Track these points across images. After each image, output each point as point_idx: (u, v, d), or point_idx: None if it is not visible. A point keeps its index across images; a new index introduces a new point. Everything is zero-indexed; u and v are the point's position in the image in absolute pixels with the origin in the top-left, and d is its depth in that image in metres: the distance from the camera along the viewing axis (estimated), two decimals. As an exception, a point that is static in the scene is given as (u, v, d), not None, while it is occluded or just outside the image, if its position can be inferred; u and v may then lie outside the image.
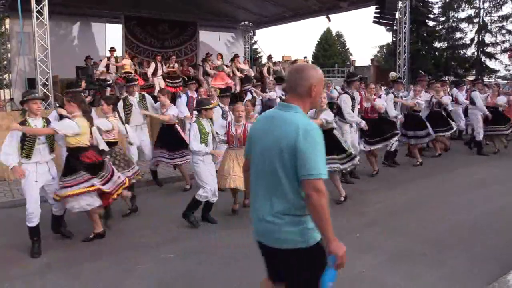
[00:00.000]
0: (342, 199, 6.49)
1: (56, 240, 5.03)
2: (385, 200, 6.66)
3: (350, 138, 7.60)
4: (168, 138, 7.30)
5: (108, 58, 13.19)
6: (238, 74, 15.20)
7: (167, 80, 13.59)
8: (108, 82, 12.31)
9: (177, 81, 13.62)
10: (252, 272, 4.21)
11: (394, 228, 5.41)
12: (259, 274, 4.15)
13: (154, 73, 13.55)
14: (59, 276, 4.18)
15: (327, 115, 6.23)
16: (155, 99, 7.63)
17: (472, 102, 10.42)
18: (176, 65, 14.34)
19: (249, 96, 10.15)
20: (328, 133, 6.01)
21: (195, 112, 5.98)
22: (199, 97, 8.05)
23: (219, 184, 5.71)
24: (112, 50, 13.43)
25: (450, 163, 9.49)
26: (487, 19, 30.77)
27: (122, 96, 7.99)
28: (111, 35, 18.24)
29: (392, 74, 14.08)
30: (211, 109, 5.72)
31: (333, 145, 6.30)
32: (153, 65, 13.69)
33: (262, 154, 2.39)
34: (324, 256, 2.31)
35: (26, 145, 4.63)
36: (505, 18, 30.13)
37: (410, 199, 6.66)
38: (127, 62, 12.99)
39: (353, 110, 7.46)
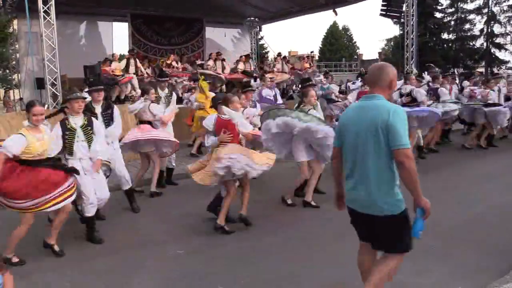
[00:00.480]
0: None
1: (68, 238, 5.08)
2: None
3: None
4: None
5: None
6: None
7: None
8: (115, 81, 12.37)
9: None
10: (262, 269, 4.25)
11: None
12: (269, 270, 4.20)
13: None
14: (73, 272, 4.25)
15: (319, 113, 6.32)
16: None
17: None
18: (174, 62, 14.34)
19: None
20: None
21: None
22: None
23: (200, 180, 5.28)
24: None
25: (458, 156, 9.44)
26: (496, 9, 30.40)
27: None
28: (118, 34, 18.34)
29: (413, 71, 13.90)
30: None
31: None
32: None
33: (358, 135, 2.91)
34: (408, 221, 2.97)
35: (67, 142, 4.81)
36: (514, 7, 29.71)
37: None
38: (116, 66, 13.02)
39: None
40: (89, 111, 5.30)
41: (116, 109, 6.02)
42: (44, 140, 4.46)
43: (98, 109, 5.74)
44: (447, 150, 10.10)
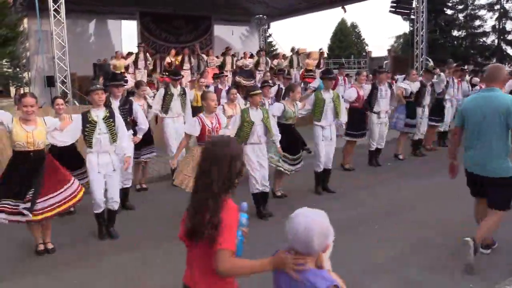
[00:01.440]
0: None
1: (75, 237, 5.10)
2: (399, 191, 6.61)
3: (378, 129, 7.77)
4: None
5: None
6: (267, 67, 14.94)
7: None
8: (126, 78, 12.41)
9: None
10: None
11: (411, 220, 5.36)
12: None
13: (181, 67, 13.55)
14: (81, 270, 4.27)
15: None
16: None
17: None
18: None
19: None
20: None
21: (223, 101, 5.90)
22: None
23: (180, 183, 5.26)
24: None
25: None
26: (508, 5, 30.00)
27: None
28: (127, 32, 18.42)
29: (429, 63, 13.76)
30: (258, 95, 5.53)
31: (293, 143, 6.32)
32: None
33: (485, 117, 3.89)
34: None
35: (86, 134, 4.80)
36: (526, 4, 29.34)
37: (425, 191, 6.57)
38: (117, 63, 13.01)
39: (375, 100, 7.58)
40: (105, 105, 5.31)
41: (135, 104, 6.06)
42: (33, 132, 4.39)
43: (115, 104, 5.76)
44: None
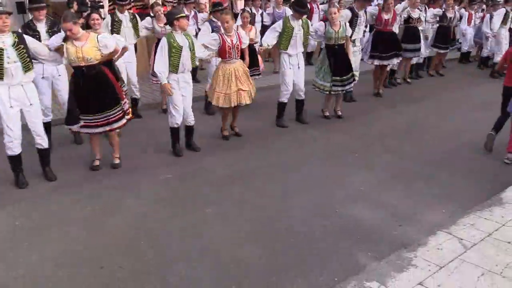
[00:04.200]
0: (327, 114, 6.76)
1: (58, 166, 5.01)
2: (384, 121, 6.63)
3: (354, 58, 7.47)
4: None
5: None
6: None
7: None
8: (101, 3, 11.75)
9: None
10: (249, 191, 4.30)
11: (393, 149, 5.43)
12: (255, 193, 4.25)
13: None
14: (62, 198, 4.25)
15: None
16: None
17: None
18: None
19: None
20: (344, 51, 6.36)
21: (167, 27, 5.61)
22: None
23: (217, 102, 5.54)
24: None
25: (451, 83, 9.32)
26: None
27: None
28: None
29: None
30: (183, 18, 5.06)
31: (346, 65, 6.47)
32: None
33: None
34: None
35: None
36: None
37: (409, 121, 6.63)
38: None
39: (355, 27, 7.19)
40: (30, 29, 4.95)
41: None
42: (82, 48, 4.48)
43: (41, 27, 5.19)
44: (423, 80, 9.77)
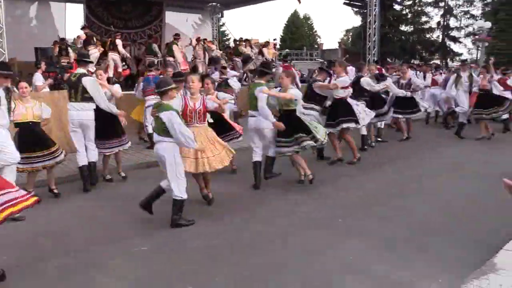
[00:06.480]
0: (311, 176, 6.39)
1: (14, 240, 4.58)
2: (362, 185, 6.55)
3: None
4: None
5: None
6: (208, 54, 14.68)
7: None
8: (70, 64, 11.64)
9: None
10: (233, 264, 3.99)
11: (376, 214, 5.29)
12: (240, 266, 3.94)
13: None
14: (19, 278, 3.80)
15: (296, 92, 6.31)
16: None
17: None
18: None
19: (216, 75, 9.56)
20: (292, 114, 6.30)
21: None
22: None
23: (185, 166, 5.00)
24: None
25: (419, 146, 9.48)
26: (452, 3, 31.33)
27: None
28: (72, 16, 17.36)
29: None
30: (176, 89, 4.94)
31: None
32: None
33: None
34: None
35: None
36: (469, 1, 30.75)
37: (387, 184, 6.58)
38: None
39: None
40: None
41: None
42: None
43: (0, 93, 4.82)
44: (399, 142, 9.96)
